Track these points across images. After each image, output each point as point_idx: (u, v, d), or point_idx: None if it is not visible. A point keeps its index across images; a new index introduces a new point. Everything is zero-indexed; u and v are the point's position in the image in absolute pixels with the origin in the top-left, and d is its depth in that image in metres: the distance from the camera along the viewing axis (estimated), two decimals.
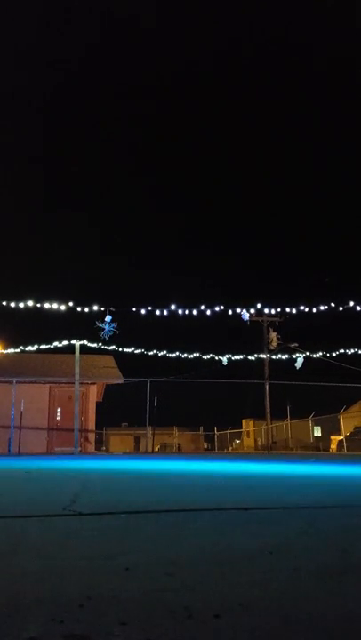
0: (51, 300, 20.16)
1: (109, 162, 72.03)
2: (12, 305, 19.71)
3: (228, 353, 25.81)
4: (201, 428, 44.41)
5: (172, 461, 12.53)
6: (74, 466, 9.81)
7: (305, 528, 2.91)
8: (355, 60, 49.04)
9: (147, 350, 24.39)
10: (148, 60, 60.77)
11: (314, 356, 27.12)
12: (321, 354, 27.28)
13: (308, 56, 59.47)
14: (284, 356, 27.73)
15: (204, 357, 25.44)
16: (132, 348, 23.98)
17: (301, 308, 23.64)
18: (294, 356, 26.46)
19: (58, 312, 20.19)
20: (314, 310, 23.10)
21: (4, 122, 55.72)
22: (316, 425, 37.37)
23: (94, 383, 23.19)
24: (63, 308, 20.13)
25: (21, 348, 23.35)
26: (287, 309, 24.85)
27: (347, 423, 29.12)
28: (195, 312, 21.47)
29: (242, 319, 22.82)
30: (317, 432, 38.72)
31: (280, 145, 72.77)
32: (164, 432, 44.92)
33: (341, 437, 27.28)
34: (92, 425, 23.12)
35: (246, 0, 51.32)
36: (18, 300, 19.82)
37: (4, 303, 19.61)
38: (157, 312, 21.06)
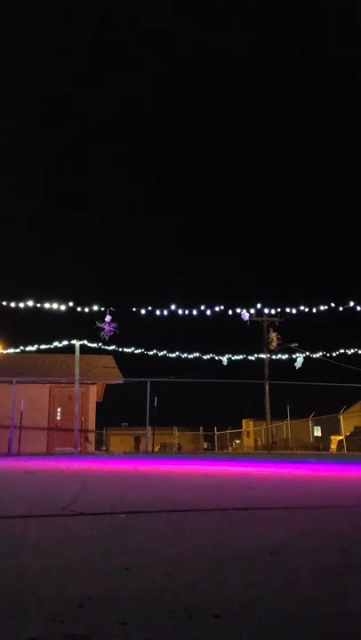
0: (51, 300, 20.19)
1: (109, 162, 72.09)
2: (12, 305, 19.72)
3: (228, 353, 25.83)
4: (201, 428, 44.44)
5: (172, 461, 12.53)
6: (74, 466, 9.81)
7: (305, 528, 2.91)
8: (355, 60, 49.01)
9: (147, 350, 24.41)
10: (148, 59, 60.77)
11: (314, 356, 27.14)
12: (321, 354, 27.30)
13: (308, 56, 59.46)
14: (284, 356, 27.76)
15: (204, 357, 25.46)
16: (132, 348, 24.00)
17: (301, 308, 23.64)
18: (294, 356, 26.47)
19: (58, 312, 20.20)
20: (314, 310, 23.10)
21: (4, 122, 55.71)
22: (316, 425, 37.38)
23: (94, 383, 23.18)
24: (63, 307, 20.14)
25: (21, 348, 23.35)
26: (287, 309, 24.86)
27: (347, 423, 29.12)
28: (195, 312, 21.47)
29: (242, 319, 22.81)
30: (317, 432, 38.73)
31: (280, 145, 72.82)
32: (164, 432, 44.95)
33: (341, 437, 27.29)
34: (92, 425, 23.11)
35: (246, 0, 51.30)
36: (18, 300, 19.84)
37: (4, 303, 19.62)
38: (157, 312, 21.06)
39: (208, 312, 21.55)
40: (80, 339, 21.51)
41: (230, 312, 22.22)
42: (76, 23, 55.72)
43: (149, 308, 20.94)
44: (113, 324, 19.22)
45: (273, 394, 30.27)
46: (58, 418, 22.55)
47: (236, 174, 72.58)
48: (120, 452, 26.57)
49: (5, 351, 24.20)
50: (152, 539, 2.59)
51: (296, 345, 28.57)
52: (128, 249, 73.32)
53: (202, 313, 21.53)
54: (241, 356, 26.49)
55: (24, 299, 19.87)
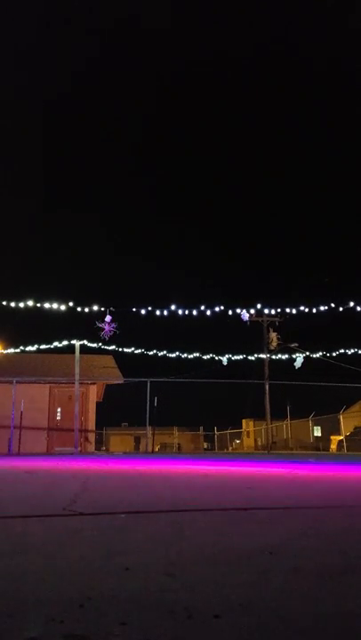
0: (51, 300, 20.19)
1: (109, 162, 72.07)
2: (12, 305, 19.72)
3: (228, 353, 25.84)
4: (201, 428, 44.42)
5: (172, 461, 12.53)
6: (74, 466, 9.81)
7: (305, 528, 2.91)
8: (355, 60, 49.01)
9: (147, 350, 24.42)
10: (148, 59, 60.78)
11: (314, 356, 27.14)
12: (321, 354, 27.31)
13: (308, 56, 59.46)
14: (284, 356, 27.77)
15: (204, 357, 25.46)
16: (132, 348, 24.00)
17: (301, 308, 23.65)
18: (294, 356, 26.48)
19: (58, 312, 20.21)
20: (314, 310, 23.11)
21: (4, 122, 55.71)
22: (316, 425, 37.40)
23: (94, 383, 23.18)
24: (63, 307, 20.14)
25: (21, 348, 23.36)
26: (287, 309, 24.87)
27: (347, 423, 29.14)
28: (195, 312, 21.48)
29: (242, 319, 22.82)
30: (317, 432, 38.74)
31: (280, 145, 72.82)
32: (164, 432, 44.96)
33: (341, 437, 27.30)
34: (92, 425, 23.11)
35: (246, 0, 51.31)
36: (18, 300, 19.85)
37: (4, 303, 19.62)
38: (157, 312, 21.07)
39: (208, 312, 21.57)
40: (80, 339, 21.53)
41: (230, 312, 22.24)
42: (76, 23, 55.74)
43: (149, 308, 20.97)
44: (113, 324, 19.23)
45: (273, 394, 30.30)
46: (58, 418, 22.55)
47: (236, 174, 72.63)
48: (120, 452, 26.58)
49: (5, 351, 24.21)
50: (152, 539, 2.59)
51: (296, 345, 28.58)
52: (128, 249, 73.36)
53: (202, 313, 21.54)
54: (241, 356, 26.50)
55: (24, 299, 19.90)
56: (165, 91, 67.58)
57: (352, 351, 26.02)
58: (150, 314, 20.95)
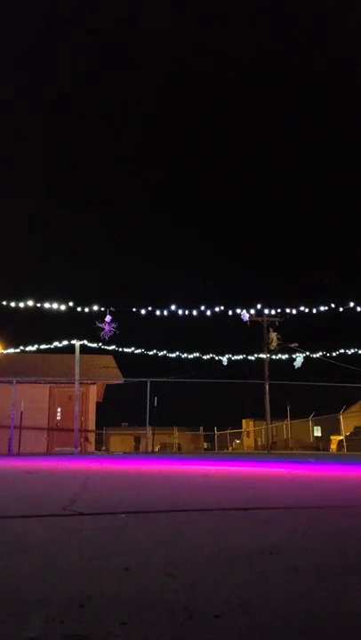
0: (51, 300, 20.20)
1: (110, 162, 72.08)
2: (12, 305, 19.72)
3: (228, 353, 25.85)
4: (201, 428, 44.43)
5: (172, 461, 12.53)
6: (74, 466, 9.81)
7: (305, 528, 2.91)
8: (355, 60, 49.01)
9: (147, 350, 24.42)
10: (148, 59, 60.77)
11: (314, 356, 27.15)
12: (321, 354, 27.31)
13: (308, 56, 59.44)
14: (284, 356, 27.77)
15: (204, 357, 25.47)
16: (132, 348, 24.01)
17: (301, 308, 23.67)
18: (294, 356, 26.49)
19: (58, 312, 20.22)
20: (314, 310, 23.13)
21: (4, 122, 55.71)
22: (316, 425, 37.39)
23: (94, 383, 23.18)
24: (63, 307, 20.15)
25: (21, 347, 23.36)
26: (287, 310, 24.89)
27: (347, 423, 29.14)
28: (195, 312, 21.49)
29: (242, 319, 22.83)
30: (317, 432, 38.74)
31: (280, 145, 72.79)
32: (165, 432, 44.97)
33: (341, 437, 27.30)
34: (92, 425, 23.11)
35: (246, 0, 51.32)
36: (18, 300, 19.85)
37: (4, 303, 19.63)
38: (157, 312, 21.07)
39: (208, 312, 21.58)
40: (80, 339, 21.53)
41: (230, 312, 22.25)
42: (76, 23, 55.72)
43: (149, 308, 20.98)
44: (113, 324, 19.23)
45: (273, 394, 30.31)
46: (58, 418, 22.56)
47: (236, 174, 72.63)
48: (120, 452, 26.58)
49: (5, 351, 24.21)
50: (152, 539, 2.59)
51: (296, 345, 28.59)
52: (128, 249, 73.36)
53: (202, 313, 21.55)
54: (241, 356, 26.51)
55: (24, 299, 19.90)
56: (165, 91, 67.61)
57: (352, 351, 26.04)
58: (150, 314, 20.97)
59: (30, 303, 19.84)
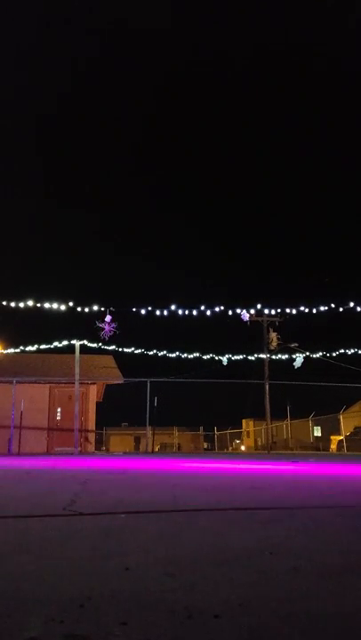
0: (51, 300, 20.20)
1: (110, 162, 72.09)
2: (12, 305, 19.73)
3: (229, 353, 25.84)
4: (201, 428, 44.44)
5: (172, 461, 12.53)
6: (74, 466, 9.81)
7: (305, 528, 2.92)
8: (355, 60, 49.00)
9: (147, 350, 24.42)
10: (148, 59, 60.77)
11: (314, 356, 27.14)
12: (321, 354, 27.31)
13: (308, 56, 59.41)
14: (284, 356, 27.76)
15: (204, 357, 25.47)
16: (132, 348, 24.01)
17: (301, 308, 23.67)
18: (294, 356, 26.48)
19: (58, 312, 20.21)
20: (314, 310, 23.13)
21: (4, 122, 55.71)
22: (316, 425, 37.41)
23: (94, 383, 23.18)
24: (63, 307, 20.15)
25: (21, 348, 23.36)
26: (287, 310, 24.89)
27: (347, 423, 29.14)
28: (195, 312, 21.49)
29: (242, 319, 22.82)
30: (317, 432, 38.75)
31: (280, 145, 72.81)
32: (165, 432, 44.96)
33: (341, 437, 27.30)
34: (91, 425, 23.11)
35: (246, 0, 51.31)
36: (18, 300, 19.85)
37: (4, 303, 19.63)
38: (157, 312, 21.07)
39: (208, 312, 21.58)
40: (80, 339, 21.53)
41: (230, 312, 22.25)
42: (76, 23, 55.72)
43: (149, 308, 20.98)
44: (113, 324, 19.23)
45: (273, 394, 30.29)
46: (58, 418, 22.55)
47: (236, 174, 72.60)
48: (120, 452, 26.59)
49: (5, 351, 24.21)
50: (152, 539, 2.59)
51: (296, 345, 28.58)
52: (128, 249, 73.35)
53: (202, 313, 21.55)
54: (241, 356, 26.51)
55: (24, 299, 19.91)
56: (165, 91, 67.58)
57: (352, 351, 26.03)
58: (150, 314, 20.97)
59: (30, 303, 19.85)
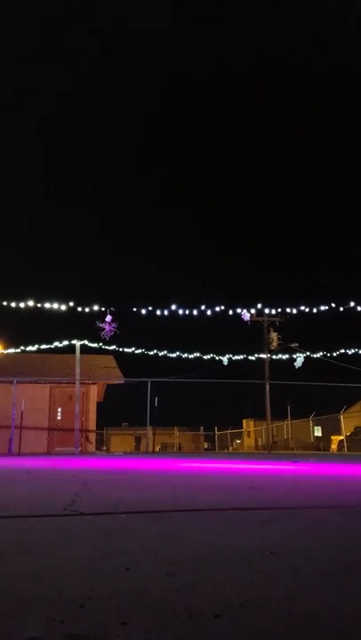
0: (51, 300, 20.21)
1: (110, 162, 72.09)
2: (13, 305, 19.73)
3: (229, 353, 25.85)
4: (201, 428, 44.45)
5: (172, 461, 12.54)
6: (74, 466, 9.82)
7: (305, 528, 2.92)
8: (355, 60, 48.98)
9: (147, 350, 24.43)
10: (148, 59, 60.77)
11: (314, 355, 27.14)
12: (321, 354, 27.31)
13: (308, 56, 59.40)
14: (285, 356, 27.76)
15: (205, 357, 25.47)
16: (133, 348, 24.01)
17: (302, 308, 23.65)
18: (295, 356, 26.47)
19: (58, 312, 20.22)
20: (314, 310, 23.12)
21: (4, 121, 55.69)
22: (317, 425, 37.41)
23: (95, 383, 23.18)
24: (64, 307, 20.15)
25: (22, 348, 23.37)
26: (288, 309, 24.87)
27: (347, 423, 29.14)
28: (195, 312, 21.48)
29: (242, 319, 22.81)
30: (318, 432, 38.76)
31: (280, 145, 72.78)
32: (165, 432, 44.96)
33: (342, 437, 27.30)
34: (92, 425, 23.11)
35: (246, 0, 51.30)
36: (18, 300, 19.86)
37: (5, 303, 19.64)
38: (158, 312, 21.07)
39: (209, 312, 21.58)
40: (81, 339, 21.54)
41: (231, 312, 22.24)
42: (76, 23, 55.72)
43: (150, 308, 20.98)
44: (113, 324, 19.22)
45: (273, 394, 30.30)
46: (58, 418, 22.56)
47: (236, 174, 72.59)
48: (120, 452, 26.59)
49: (6, 351, 24.21)
50: (152, 539, 2.59)
51: (296, 345, 28.57)
52: (128, 249, 73.32)
53: (202, 313, 21.55)
54: (241, 356, 26.51)
55: (24, 299, 19.91)
56: (165, 91, 67.58)
57: (353, 351, 26.03)
58: (151, 314, 20.97)
59: (31, 303, 19.86)
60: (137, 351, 24.17)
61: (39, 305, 19.99)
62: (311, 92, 64.07)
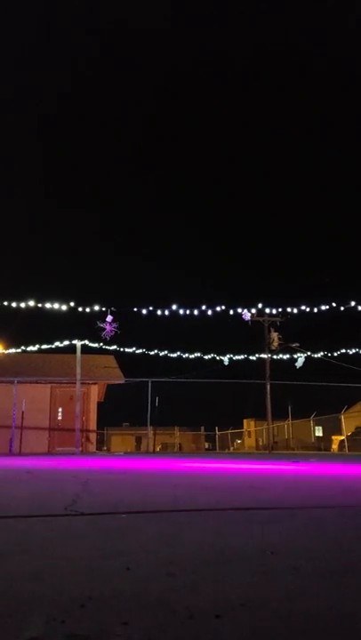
0: (52, 300, 20.21)
1: (110, 162, 72.09)
2: (14, 305, 19.74)
3: (230, 353, 25.85)
4: (202, 428, 44.41)
5: (173, 461, 12.54)
6: (75, 466, 9.82)
7: (305, 528, 2.92)
8: (355, 60, 48.96)
9: (148, 350, 24.43)
10: (148, 59, 60.76)
11: (315, 355, 27.13)
12: (322, 354, 27.29)
13: (308, 56, 59.36)
14: (286, 356, 27.74)
15: (206, 357, 25.47)
16: (134, 348, 24.01)
17: (303, 307, 23.65)
18: (295, 356, 26.47)
19: (59, 312, 20.23)
20: (315, 310, 23.12)
21: (4, 121, 55.70)
22: (318, 425, 37.42)
23: (95, 383, 23.18)
24: (64, 308, 20.16)
25: (23, 348, 23.37)
26: (288, 309, 24.86)
27: (348, 423, 29.14)
28: (196, 312, 21.48)
29: (243, 319, 22.80)
30: (319, 432, 38.77)
31: (280, 145, 72.75)
32: (166, 432, 44.91)
33: (343, 437, 27.30)
34: (93, 425, 23.11)
35: (246, 0, 51.29)
36: (19, 300, 19.87)
37: (6, 303, 19.65)
38: (159, 312, 21.08)
39: (209, 312, 21.57)
40: (81, 339, 21.54)
41: (231, 312, 22.23)
42: (76, 23, 55.72)
43: (150, 308, 20.98)
44: (114, 324, 19.23)
45: (274, 394, 30.25)
46: (59, 418, 22.56)
47: (236, 174, 72.56)
48: (121, 452, 26.59)
49: (7, 351, 24.22)
50: (153, 539, 2.60)
51: (297, 345, 28.54)
52: (128, 249, 73.30)
53: (203, 313, 21.55)
54: (242, 356, 26.51)
55: (25, 299, 19.92)
56: (165, 91, 67.56)
57: (353, 351, 26.02)
58: (151, 314, 20.97)
59: (31, 303, 19.87)
60: (137, 351, 24.18)
61: (40, 305, 20.01)
62: (311, 92, 64.06)
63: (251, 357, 27.13)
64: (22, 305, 19.82)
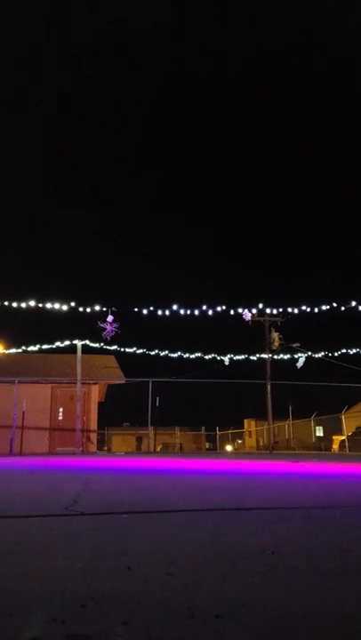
0: (52, 300, 20.19)
1: (110, 162, 72.02)
2: (14, 305, 19.75)
3: (230, 353, 25.84)
4: (203, 428, 44.39)
5: (173, 461, 12.54)
6: (76, 466, 9.82)
7: (306, 528, 2.92)
8: (355, 60, 48.93)
9: (149, 350, 24.42)
10: (148, 59, 60.77)
11: (316, 355, 27.12)
12: (323, 354, 27.28)
13: (308, 56, 59.31)
14: (286, 356, 27.73)
15: (206, 357, 25.46)
16: (134, 348, 24.01)
17: (303, 307, 23.63)
18: (296, 356, 26.46)
19: (59, 312, 20.21)
20: (316, 310, 23.10)
21: (4, 122, 55.70)
22: (318, 425, 37.39)
23: (96, 383, 23.17)
24: (65, 307, 20.15)
25: (23, 348, 23.37)
26: (289, 309, 24.83)
27: (349, 423, 29.12)
28: (197, 312, 21.47)
29: (244, 319, 22.79)
30: (319, 432, 38.75)
31: (280, 145, 72.65)
32: (166, 432, 44.92)
33: (343, 437, 27.29)
34: (93, 425, 23.10)
35: (246, 0, 51.28)
36: (19, 300, 19.86)
37: (6, 303, 19.65)
38: (159, 312, 21.08)
39: (210, 312, 21.56)
40: (82, 339, 21.54)
41: (232, 312, 22.22)
42: (76, 23, 55.70)
43: (151, 308, 20.97)
44: (115, 324, 19.23)
45: (275, 394, 30.22)
46: (60, 418, 22.55)
47: (236, 174, 72.50)
48: (122, 452, 26.59)
49: (7, 351, 24.23)
50: (153, 539, 2.60)
51: (298, 345, 28.53)
52: (128, 249, 73.24)
53: (204, 313, 21.53)
54: (243, 356, 26.51)
55: (26, 299, 19.91)
56: (165, 91, 67.50)
57: (354, 351, 26.01)
58: (152, 314, 20.97)
59: (32, 303, 19.87)
60: (138, 351, 24.17)
61: (40, 305, 20.00)
62: (311, 92, 63.96)
63: (251, 357, 27.13)
64: (23, 305, 19.82)
